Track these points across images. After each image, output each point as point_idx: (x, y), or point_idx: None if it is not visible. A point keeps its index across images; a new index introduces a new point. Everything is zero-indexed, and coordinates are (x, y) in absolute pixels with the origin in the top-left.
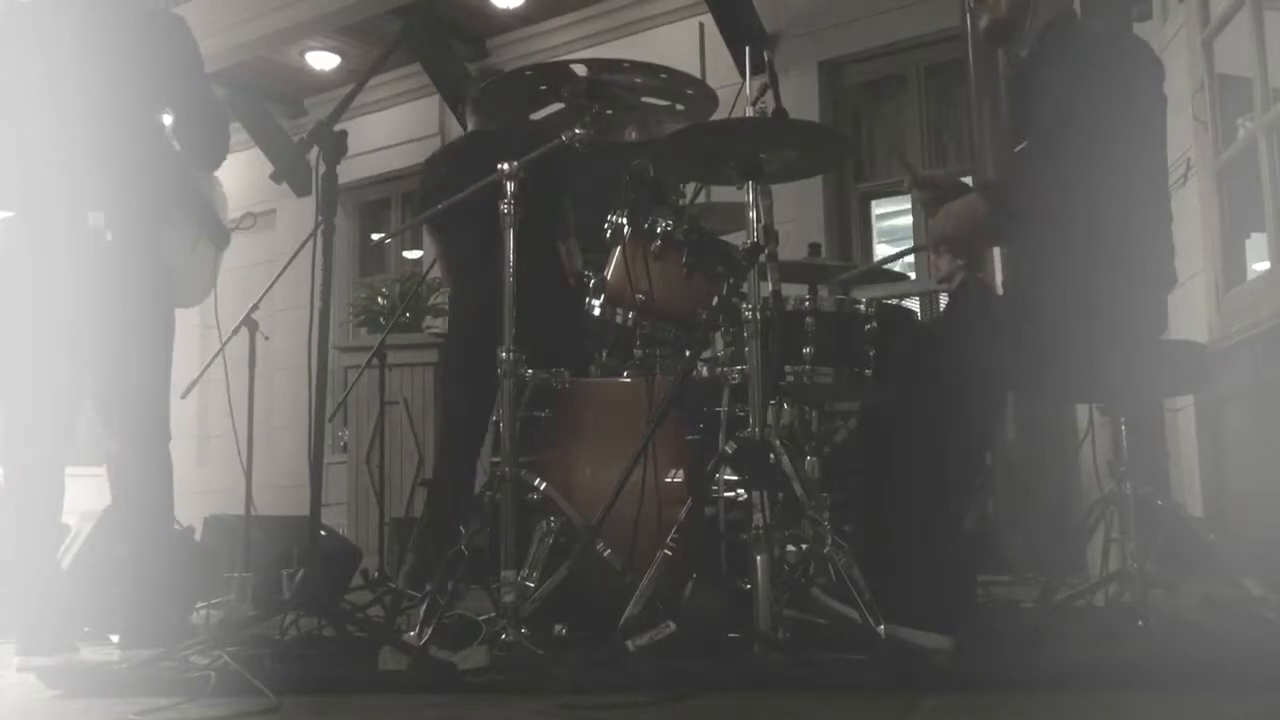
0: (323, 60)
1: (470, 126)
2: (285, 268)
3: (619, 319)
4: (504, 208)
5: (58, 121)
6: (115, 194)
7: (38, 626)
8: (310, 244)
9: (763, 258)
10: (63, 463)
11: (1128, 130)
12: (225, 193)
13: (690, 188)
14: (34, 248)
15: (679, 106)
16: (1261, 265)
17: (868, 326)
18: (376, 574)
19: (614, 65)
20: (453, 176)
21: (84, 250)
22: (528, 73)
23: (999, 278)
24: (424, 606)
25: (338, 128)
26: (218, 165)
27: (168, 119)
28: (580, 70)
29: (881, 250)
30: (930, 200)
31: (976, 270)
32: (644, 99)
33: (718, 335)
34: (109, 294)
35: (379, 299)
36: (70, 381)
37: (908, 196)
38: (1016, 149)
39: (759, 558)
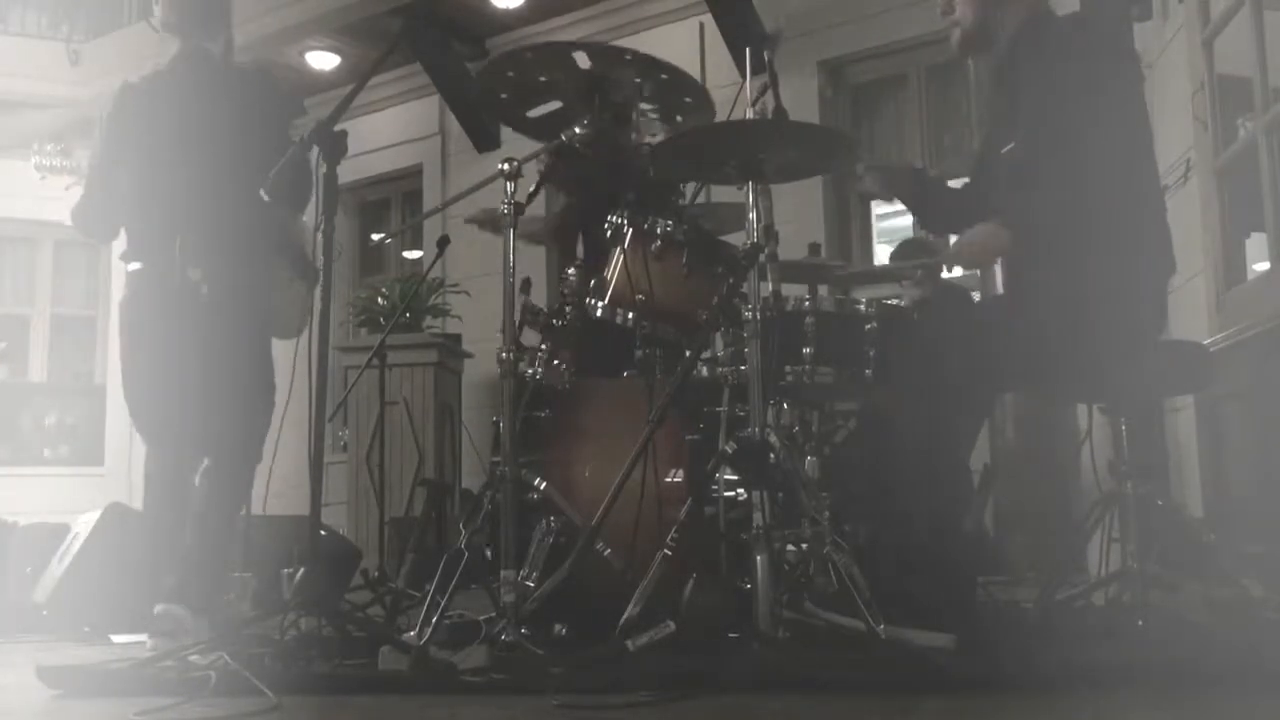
0: (323, 60)
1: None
2: None
3: (619, 319)
4: (503, 208)
5: (168, 183)
6: (212, 251)
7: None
8: None
9: (763, 258)
10: (189, 471)
11: (1112, 117)
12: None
13: (690, 188)
14: (153, 295)
15: (678, 118)
16: (1261, 265)
17: (868, 326)
18: (376, 574)
19: (617, 55)
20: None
21: (185, 301)
22: (528, 55)
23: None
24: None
25: (338, 128)
26: (305, 207)
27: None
28: (583, 62)
29: (881, 250)
30: (878, 186)
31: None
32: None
33: (718, 335)
34: (207, 341)
35: (379, 299)
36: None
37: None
38: (1004, 150)
39: (759, 558)
